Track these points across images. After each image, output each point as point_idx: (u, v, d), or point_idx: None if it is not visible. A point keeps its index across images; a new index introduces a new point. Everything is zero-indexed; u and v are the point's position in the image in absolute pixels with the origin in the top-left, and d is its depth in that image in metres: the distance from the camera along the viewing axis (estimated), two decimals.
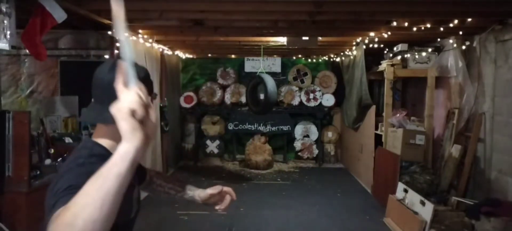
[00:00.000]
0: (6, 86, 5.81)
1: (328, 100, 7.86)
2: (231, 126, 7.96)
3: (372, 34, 5.19)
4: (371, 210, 5.15)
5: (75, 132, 5.24)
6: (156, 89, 6.25)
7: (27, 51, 3.72)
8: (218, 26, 4.79)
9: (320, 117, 8.10)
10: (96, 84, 1.24)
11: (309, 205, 5.34)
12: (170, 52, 7.01)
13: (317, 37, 5.41)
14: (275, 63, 8.26)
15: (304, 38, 5.37)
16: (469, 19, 4.23)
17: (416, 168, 5.04)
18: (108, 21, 4.36)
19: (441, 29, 4.56)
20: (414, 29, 4.55)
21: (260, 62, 7.18)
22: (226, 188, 1.68)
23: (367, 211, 5.10)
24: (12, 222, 3.34)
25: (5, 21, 2.96)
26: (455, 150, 4.97)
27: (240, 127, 7.95)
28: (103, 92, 1.21)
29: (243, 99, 7.95)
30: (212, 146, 8.09)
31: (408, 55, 5.50)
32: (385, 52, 6.03)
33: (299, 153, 8.20)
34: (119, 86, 0.90)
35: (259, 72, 6.77)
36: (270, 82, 6.47)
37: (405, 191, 4.55)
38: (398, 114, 5.48)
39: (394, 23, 4.35)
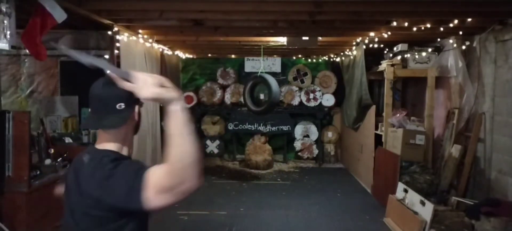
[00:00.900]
0: (6, 86, 5.81)
1: (328, 100, 7.86)
2: (231, 126, 7.96)
3: (372, 34, 5.19)
4: (371, 210, 5.15)
5: (75, 132, 5.24)
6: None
7: (27, 51, 3.72)
8: (218, 26, 4.79)
9: (320, 117, 8.10)
10: (93, 98, 1.47)
11: (309, 205, 5.34)
12: (170, 52, 7.01)
13: (317, 37, 5.41)
14: (275, 63, 8.26)
15: (304, 38, 5.37)
16: (469, 19, 4.23)
17: (416, 168, 5.04)
18: (108, 21, 4.36)
19: (441, 29, 4.56)
20: (414, 29, 4.55)
21: (260, 62, 7.18)
22: None
23: (367, 211, 5.10)
24: (12, 222, 3.33)
25: (5, 21, 2.96)
26: (455, 150, 4.97)
27: (240, 127, 7.95)
28: (100, 105, 1.44)
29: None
30: (212, 146, 8.09)
31: (408, 55, 5.50)
32: (385, 52, 6.04)
33: (299, 153, 8.20)
34: (126, 84, 1.23)
35: (260, 72, 6.77)
36: (273, 82, 6.48)
37: (405, 191, 4.55)
38: (398, 114, 5.48)
39: (394, 23, 4.35)
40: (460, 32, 4.83)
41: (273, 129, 7.93)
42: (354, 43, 6.09)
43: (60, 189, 1.53)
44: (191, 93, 7.94)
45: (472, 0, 3.75)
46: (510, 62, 4.22)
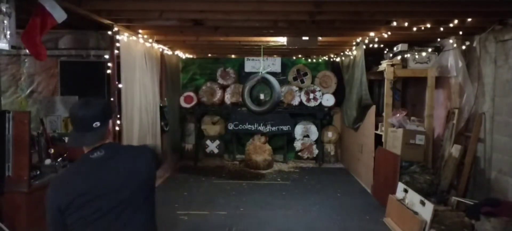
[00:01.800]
0: (6, 86, 5.81)
1: (328, 100, 7.86)
2: (231, 126, 7.96)
3: (372, 34, 5.19)
4: (371, 210, 5.15)
5: None
6: (156, 89, 6.25)
7: (27, 51, 3.72)
8: (218, 26, 4.79)
9: (320, 116, 8.09)
10: (73, 119, 1.80)
11: (309, 205, 5.34)
12: (170, 52, 7.01)
13: (317, 37, 5.41)
14: (275, 63, 8.26)
15: (304, 38, 5.37)
16: (469, 19, 4.23)
17: (416, 168, 5.04)
18: (108, 21, 4.36)
19: (441, 29, 4.56)
20: (414, 29, 4.56)
21: (260, 62, 7.18)
22: None
23: (367, 211, 5.10)
24: (12, 222, 3.34)
25: (5, 21, 2.96)
26: (455, 150, 4.97)
27: (240, 127, 7.95)
28: (80, 125, 1.76)
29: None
30: (212, 146, 8.09)
31: (408, 55, 5.50)
32: (385, 52, 6.04)
33: (299, 153, 8.20)
34: None
35: (262, 72, 6.78)
36: (276, 82, 6.49)
37: (405, 191, 4.55)
38: (398, 114, 5.48)
39: (394, 23, 4.35)
40: (460, 32, 4.83)
41: (273, 129, 7.93)
42: (354, 43, 6.09)
43: None
44: (191, 93, 7.94)
45: (472, 0, 3.74)
46: (510, 62, 4.22)
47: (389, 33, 4.89)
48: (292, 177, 7.02)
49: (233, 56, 8.10)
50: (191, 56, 8.10)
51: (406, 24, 4.38)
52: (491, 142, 4.55)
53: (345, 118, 7.46)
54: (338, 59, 7.73)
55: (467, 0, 3.74)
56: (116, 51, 4.60)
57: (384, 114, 5.68)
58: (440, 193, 4.91)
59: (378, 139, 5.81)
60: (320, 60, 8.35)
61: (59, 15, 3.30)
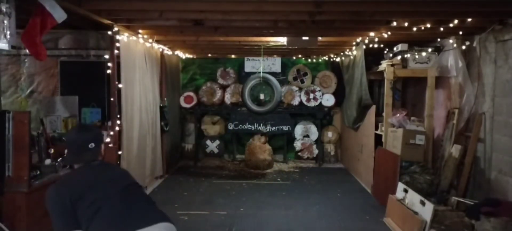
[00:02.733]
0: (6, 86, 5.82)
1: (328, 100, 7.86)
2: (231, 126, 7.96)
3: (372, 34, 5.19)
4: (371, 210, 5.15)
5: None
6: (156, 89, 6.25)
7: (27, 51, 3.72)
8: (218, 26, 4.79)
9: (320, 116, 8.09)
10: (70, 143, 2.13)
11: (309, 205, 5.34)
12: (170, 52, 7.01)
13: (317, 37, 5.41)
14: (275, 63, 8.25)
15: (304, 38, 5.37)
16: (469, 19, 4.23)
17: (416, 168, 5.04)
18: (108, 21, 4.36)
19: (441, 29, 4.56)
20: (414, 29, 4.56)
21: (260, 62, 7.18)
22: None
23: (367, 211, 5.10)
24: (12, 222, 3.34)
25: (5, 21, 2.96)
26: (455, 150, 4.97)
27: (240, 127, 7.95)
28: (76, 146, 2.10)
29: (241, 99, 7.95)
30: (212, 146, 8.09)
31: (408, 55, 5.50)
32: (385, 52, 6.04)
33: (299, 153, 8.20)
34: None
35: (262, 73, 6.78)
36: (276, 82, 6.49)
37: (405, 191, 4.55)
38: (398, 114, 5.48)
39: (394, 23, 4.35)
40: (460, 32, 4.83)
41: (273, 129, 7.93)
42: (354, 43, 6.09)
43: None
44: (191, 93, 7.95)
45: (472, 0, 3.75)
46: (510, 62, 4.22)
47: (389, 33, 4.89)
48: (292, 177, 7.02)
49: (233, 56, 8.10)
50: (191, 56, 8.10)
51: (406, 24, 4.38)
52: (491, 142, 4.55)
53: (345, 118, 7.47)
54: (338, 59, 7.73)
55: (467, 0, 3.74)
56: (116, 51, 4.60)
57: (384, 114, 5.68)
58: (440, 193, 4.91)
59: (378, 139, 5.81)
60: (320, 60, 8.35)
61: (59, 15, 3.30)
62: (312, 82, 8.08)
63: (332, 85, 7.96)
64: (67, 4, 3.42)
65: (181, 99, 7.90)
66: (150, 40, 5.59)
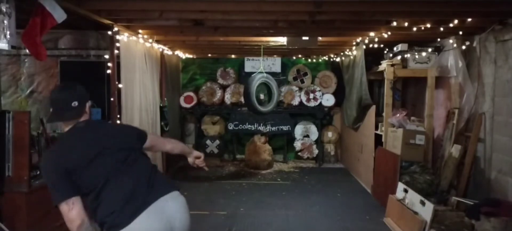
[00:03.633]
0: (6, 86, 5.82)
1: (328, 100, 7.86)
2: (231, 126, 7.96)
3: (372, 34, 5.19)
4: (371, 210, 5.15)
5: None
6: (156, 89, 6.25)
7: (27, 51, 3.72)
8: (218, 26, 4.79)
9: (320, 116, 8.09)
10: (53, 101, 2.06)
11: (309, 205, 5.34)
12: (170, 52, 7.01)
13: (317, 37, 5.41)
14: (275, 63, 8.25)
15: (304, 38, 5.37)
16: (469, 19, 4.23)
17: (416, 168, 5.04)
18: (108, 21, 4.36)
19: (441, 29, 4.56)
20: (414, 29, 4.55)
21: (260, 62, 7.17)
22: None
23: (367, 211, 5.10)
24: (12, 222, 3.33)
25: (5, 21, 2.96)
26: (455, 150, 4.97)
27: (240, 127, 7.95)
28: (59, 105, 2.04)
29: (243, 99, 7.94)
30: (212, 146, 8.09)
31: (408, 55, 5.50)
32: (385, 52, 6.03)
33: (299, 153, 8.20)
34: None
35: (262, 72, 6.76)
36: (275, 82, 6.47)
37: (405, 191, 4.55)
38: (398, 114, 5.48)
39: (394, 23, 4.35)
40: (460, 32, 4.82)
41: (273, 129, 7.93)
42: (354, 43, 6.09)
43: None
44: (191, 93, 7.94)
45: (472, 0, 3.75)
46: (510, 62, 4.22)
47: (389, 33, 4.89)
48: (292, 177, 7.02)
49: (233, 56, 8.10)
50: (191, 56, 8.10)
51: (406, 24, 4.38)
52: (491, 142, 4.55)
53: (345, 117, 7.46)
54: (338, 59, 7.73)
55: (467, 0, 3.74)
56: (116, 51, 4.60)
57: (384, 114, 5.68)
58: (440, 193, 4.91)
59: (378, 139, 5.81)
60: (320, 60, 8.35)
61: (59, 15, 3.29)
62: (312, 82, 8.08)
63: (332, 85, 7.96)
64: (67, 4, 3.42)
65: (181, 99, 7.90)
66: (150, 40, 5.59)
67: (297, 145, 8.18)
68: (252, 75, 6.84)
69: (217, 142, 8.08)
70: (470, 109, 4.90)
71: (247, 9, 3.92)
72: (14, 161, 3.37)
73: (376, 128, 5.96)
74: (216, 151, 8.10)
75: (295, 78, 8.08)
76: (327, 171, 7.55)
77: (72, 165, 1.90)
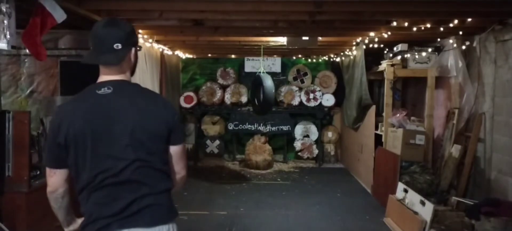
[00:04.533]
0: (6, 86, 5.81)
1: (328, 100, 7.86)
2: (231, 126, 7.96)
3: (372, 34, 5.19)
4: (371, 210, 5.15)
5: None
6: (156, 89, 6.25)
7: (27, 51, 3.72)
8: (218, 26, 4.79)
9: (320, 116, 8.09)
10: (93, 37, 1.63)
11: (309, 205, 5.34)
12: (170, 52, 7.01)
13: (317, 37, 5.41)
14: (275, 63, 8.25)
15: (304, 38, 5.36)
16: (469, 19, 4.23)
17: (416, 168, 5.04)
18: None
19: (441, 29, 4.56)
20: (414, 29, 4.55)
21: (260, 62, 7.18)
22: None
23: (367, 211, 5.10)
24: (12, 222, 3.33)
25: (5, 21, 2.96)
26: (455, 150, 4.97)
27: (240, 127, 7.95)
28: (99, 43, 1.62)
29: (243, 99, 7.95)
30: (212, 146, 8.09)
31: (408, 55, 5.50)
32: (385, 52, 6.03)
33: (299, 153, 8.20)
34: None
35: (259, 72, 6.76)
36: (268, 82, 6.44)
37: (405, 191, 4.55)
38: (398, 114, 5.48)
39: (394, 23, 4.35)
40: (460, 32, 4.82)
41: (273, 129, 7.93)
42: (354, 43, 6.09)
43: None
44: (191, 93, 7.94)
45: (472, 0, 3.75)
46: (510, 62, 4.22)
47: (389, 33, 4.88)
48: (292, 177, 7.02)
49: (233, 56, 8.10)
50: (191, 56, 8.10)
51: (406, 24, 4.38)
52: (491, 142, 4.55)
53: (345, 118, 7.46)
54: (338, 59, 7.73)
55: (467, 0, 3.74)
56: None
57: (384, 114, 5.68)
58: (440, 193, 4.91)
59: (378, 139, 5.81)
60: (320, 60, 8.35)
61: (59, 15, 3.29)
62: (312, 82, 8.08)
63: (332, 85, 7.96)
64: (67, 4, 3.42)
65: (181, 99, 7.90)
66: (150, 40, 5.59)
67: (297, 145, 8.18)
68: (257, 74, 6.70)
69: (217, 142, 8.08)
70: (470, 109, 4.90)
71: (247, 9, 3.91)
72: (14, 161, 3.37)
73: (376, 128, 5.96)
74: (216, 151, 8.10)
75: (295, 78, 8.08)
76: (327, 171, 7.55)
77: (73, 141, 1.57)
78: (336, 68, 7.96)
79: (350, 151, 7.57)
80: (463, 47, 4.98)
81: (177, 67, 8.11)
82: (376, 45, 5.68)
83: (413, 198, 4.34)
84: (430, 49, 5.49)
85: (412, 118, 5.67)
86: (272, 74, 7.72)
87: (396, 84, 6.25)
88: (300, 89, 7.99)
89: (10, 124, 3.36)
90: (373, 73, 6.37)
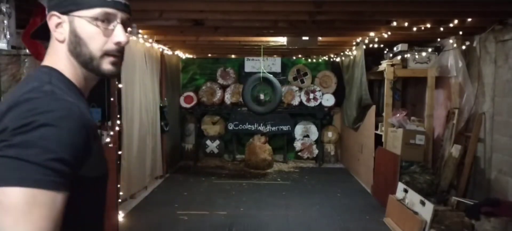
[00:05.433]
0: (6, 86, 5.81)
1: (328, 100, 7.86)
2: (231, 126, 7.96)
3: (372, 34, 5.19)
4: (371, 210, 5.15)
5: None
6: (156, 89, 6.25)
7: (27, 51, 3.72)
8: (218, 26, 4.79)
9: (320, 116, 8.09)
10: None
11: (309, 205, 5.34)
12: (170, 52, 7.01)
13: (317, 37, 5.41)
14: (275, 63, 8.25)
15: (304, 38, 5.36)
16: (469, 19, 4.23)
17: (416, 168, 5.04)
18: None
19: (441, 29, 4.56)
20: (414, 29, 4.55)
21: (260, 62, 7.18)
22: None
23: (367, 211, 5.10)
24: None
25: (5, 21, 2.96)
26: (455, 150, 4.97)
27: (240, 127, 7.95)
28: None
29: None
30: (212, 146, 8.09)
31: (408, 55, 5.50)
32: (385, 52, 6.03)
33: (299, 153, 8.20)
34: None
35: (262, 72, 6.76)
36: (277, 82, 6.48)
37: (405, 191, 4.55)
38: (398, 114, 5.48)
39: (394, 23, 4.35)
40: (460, 32, 4.82)
41: (273, 129, 7.93)
42: (354, 43, 6.09)
43: None
44: (191, 93, 7.94)
45: (472, 0, 3.75)
46: (510, 62, 4.22)
47: (389, 33, 4.89)
48: (292, 177, 7.02)
49: (233, 56, 8.10)
50: (191, 56, 8.10)
51: (406, 24, 4.38)
52: (491, 142, 4.55)
53: (345, 118, 7.46)
54: (338, 59, 7.73)
55: (467, 0, 3.74)
56: None
57: (384, 114, 5.68)
58: (440, 193, 4.91)
59: (378, 139, 5.81)
60: (320, 60, 8.35)
61: None
62: (312, 82, 8.08)
63: (332, 85, 7.96)
64: None
65: (181, 99, 7.90)
66: (150, 40, 5.59)
67: (297, 145, 8.18)
68: (252, 76, 6.78)
69: (217, 142, 8.08)
70: (470, 109, 4.90)
71: (247, 9, 3.91)
72: None
73: (376, 128, 5.96)
74: (216, 151, 8.10)
75: (295, 78, 8.08)
76: (327, 171, 7.54)
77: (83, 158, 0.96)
78: (336, 68, 7.96)
79: (350, 151, 7.57)
80: (463, 47, 4.98)
81: (177, 67, 8.11)
82: (376, 45, 5.68)
83: (413, 198, 4.35)
84: (430, 49, 5.49)
85: (412, 118, 5.67)
86: (272, 74, 7.73)
87: (396, 84, 6.25)
88: (300, 89, 7.99)
89: None
90: (373, 73, 6.37)
